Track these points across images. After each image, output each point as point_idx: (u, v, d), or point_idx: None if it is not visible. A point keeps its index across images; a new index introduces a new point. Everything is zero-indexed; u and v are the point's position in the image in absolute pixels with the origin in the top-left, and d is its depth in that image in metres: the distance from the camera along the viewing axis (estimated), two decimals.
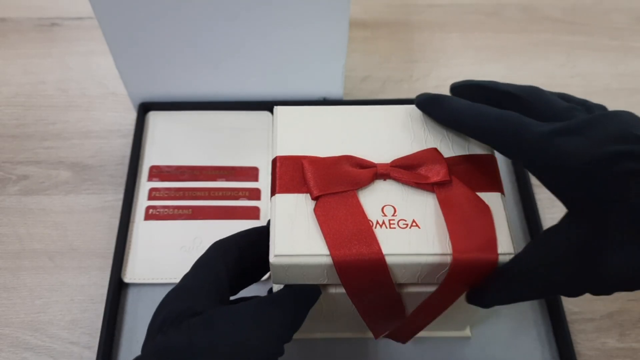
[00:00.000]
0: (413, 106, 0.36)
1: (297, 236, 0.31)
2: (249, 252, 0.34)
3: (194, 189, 0.52)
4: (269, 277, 0.42)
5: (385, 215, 0.32)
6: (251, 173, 0.53)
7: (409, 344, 0.44)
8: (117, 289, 0.46)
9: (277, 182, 0.33)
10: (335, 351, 0.44)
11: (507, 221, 0.32)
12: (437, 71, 0.63)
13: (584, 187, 0.27)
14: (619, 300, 0.48)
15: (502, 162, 0.55)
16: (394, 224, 0.31)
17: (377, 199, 0.32)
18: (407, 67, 0.64)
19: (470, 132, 0.32)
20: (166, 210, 0.51)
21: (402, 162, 0.33)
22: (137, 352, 0.30)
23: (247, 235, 0.35)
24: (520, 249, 0.30)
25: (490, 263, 0.30)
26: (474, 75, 0.34)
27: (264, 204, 0.51)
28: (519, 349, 0.45)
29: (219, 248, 0.34)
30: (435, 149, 0.34)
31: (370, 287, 0.32)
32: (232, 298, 0.34)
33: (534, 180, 0.52)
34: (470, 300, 0.33)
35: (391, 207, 0.32)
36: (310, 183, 0.32)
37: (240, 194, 0.52)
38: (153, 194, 0.51)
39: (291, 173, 0.33)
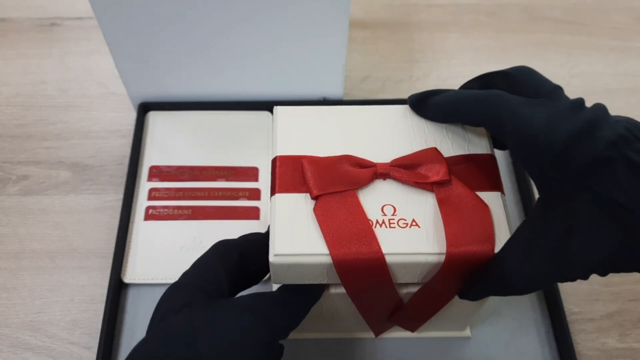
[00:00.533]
0: None
1: (296, 236, 0.31)
2: (249, 256, 0.34)
3: (193, 189, 0.52)
4: (269, 278, 0.42)
5: (385, 215, 0.32)
6: (251, 173, 0.53)
7: (409, 344, 0.44)
8: (117, 289, 0.46)
9: (277, 181, 0.33)
10: (335, 351, 0.44)
11: (507, 220, 0.32)
12: (437, 71, 0.63)
13: (551, 163, 0.27)
14: (619, 300, 0.48)
15: (502, 162, 0.55)
16: (393, 223, 0.31)
17: (376, 199, 0.32)
18: (407, 67, 0.64)
19: (458, 119, 0.34)
20: (166, 210, 0.51)
21: (402, 161, 0.33)
22: None
23: (248, 239, 0.35)
24: None
25: (486, 256, 0.30)
26: (474, 75, 0.34)
27: (264, 204, 0.51)
28: (519, 349, 0.45)
29: (220, 249, 0.34)
30: (435, 149, 0.34)
31: (370, 286, 0.32)
32: None
33: None
34: (460, 295, 0.34)
35: (391, 207, 0.32)
36: (310, 183, 0.32)
37: (240, 194, 0.52)
38: (153, 194, 0.51)
39: (291, 173, 0.33)
